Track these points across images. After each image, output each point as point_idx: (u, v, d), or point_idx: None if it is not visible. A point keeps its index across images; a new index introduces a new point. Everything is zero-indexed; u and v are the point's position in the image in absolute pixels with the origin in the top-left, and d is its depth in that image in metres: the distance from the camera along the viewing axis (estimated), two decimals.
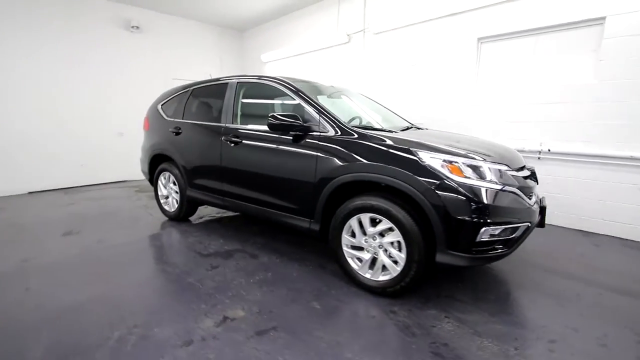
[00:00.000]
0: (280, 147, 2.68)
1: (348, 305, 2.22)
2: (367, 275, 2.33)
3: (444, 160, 2.01)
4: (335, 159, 2.37)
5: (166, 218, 4.05)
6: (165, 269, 2.72)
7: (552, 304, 2.24)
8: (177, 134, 3.64)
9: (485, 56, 4.22)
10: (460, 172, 1.98)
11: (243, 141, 2.97)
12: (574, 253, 3.12)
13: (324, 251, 3.07)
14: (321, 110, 2.56)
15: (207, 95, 3.63)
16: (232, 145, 3.04)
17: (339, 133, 2.43)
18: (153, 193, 4.21)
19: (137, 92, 6.60)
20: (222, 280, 2.52)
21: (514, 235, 2.03)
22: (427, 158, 2.03)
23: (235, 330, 1.92)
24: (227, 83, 3.33)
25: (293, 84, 2.81)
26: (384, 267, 2.26)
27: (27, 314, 2.09)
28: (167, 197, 4.00)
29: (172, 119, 3.79)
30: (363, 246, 2.33)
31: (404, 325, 1.99)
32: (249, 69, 8.01)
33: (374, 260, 2.30)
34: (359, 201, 2.27)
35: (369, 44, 5.40)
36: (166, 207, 4.02)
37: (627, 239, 3.42)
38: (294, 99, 2.73)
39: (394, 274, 2.19)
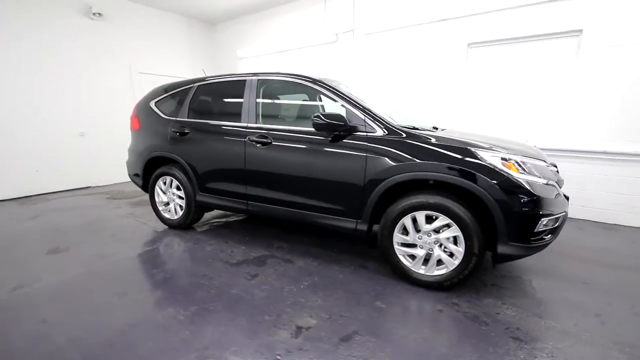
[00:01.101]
0: (323, 148, 2.61)
1: (410, 301, 2.26)
2: (421, 271, 2.40)
3: (502, 158, 2.15)
4: (387, 159, 2.38)
5: (165, 227, 3.69)
6: (200, 282, 2.48)
7: (577, 283, 2.53)
8: (182, 134, 3.33)
9: (474, 60, 4.56)
10: (516, 168, 2.14)
11: (274, 142, 2.82)
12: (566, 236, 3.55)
13: (355, 251, 3.07)
14: (366, 110, 2.55)
15: (217, 93, 3.37)
16: (260, 146, 2.88)
17: (387, 133, 2.45)
18: (130, 200, 3.80)
19: (101, 87, 5.89)
20: (270, 289, 2.39)
21: (557, 224, 2.25)
22: (488, 156, 2.16)
23: (318, 339, 1.85)
24: (244, 80, 3.13)
25: (330, 83, 2.75)
26: (438, 262, 2.35)
27: (64, 352, 1.76)
28: (167, 204, 3.64)
29: (172, 118, 3.46)
30: (416, 243, 2.39)
31: (472, 315, 2.09)
32: (222, 64, 7.60)
33: (426, 256, 2.38)
34: (415, 199, 2.31)
35: (359, 44, 5.49)
36: (166, 215, 3.66)
37: (600, 222, 3.99)
38: (335, 99, 2.67)
39: (451, 268, 2.29)
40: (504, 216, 2.08)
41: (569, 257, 2.99)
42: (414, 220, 2.35)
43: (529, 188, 2.08)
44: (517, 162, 2.16)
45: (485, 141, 2.37)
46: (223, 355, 1.71)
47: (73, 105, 5.56)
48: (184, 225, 3.55)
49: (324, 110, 3.07)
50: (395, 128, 2.45)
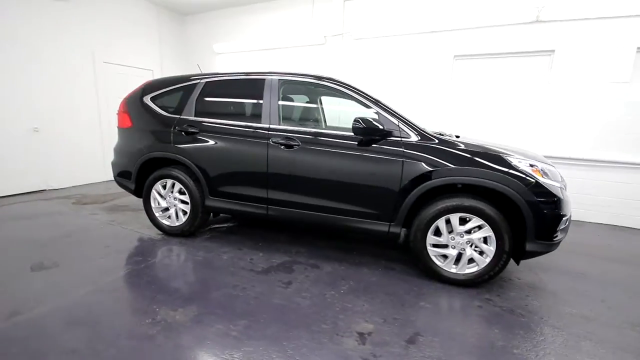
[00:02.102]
0: (357, 152, 2.62)
1: (449, 300, 2.38)
2: (452, 270, 2.54)
3: (530, 165, 2.37)
4: (423, 163, 2.48)
5: (160, 235, 3.37)
6: (234, 293, 2.33)
7: (575, 274, 2.89)
8: (189, 133, 3.08)
9: (459, 71, 4.92)
10: (540, 174, 2.37)
11: (302, 145, 2.75)
12: None
13: (375, 253, 3.14)
14: (400, 116, 2.62)
15: (230, 91, 3.17)
16: (285, 148, 2.79)
17: (420, 138, 2.55)
18: (101, 205, 3.43)
19: (60, 76, 5.16)
20: (312, 297, 2.33)
21: (568, 223, 2.55)
22: (517, 162, 2.36)
23: (385, 344, 1.86)
24: (262, 80, 3.00)
25: (362, 89, 2.76)
26: (469, 261, 2.51)
27: None
28: (165, 210, 3.32)
29: (176, 116, 3.18)
30: (448, 244, 2.52)
31: (508, 309, 2.28)
32: (194, 58, 7.12)
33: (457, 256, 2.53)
34: (450, 202, 2.44)
35: (348, 48, 5.56)
36: (165, 222, 3.34)
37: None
38: (368, 105, 2.69)
39: (482, 266, 2.46)
40: (533, 216, 2.30)
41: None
42: (447, 222, 2.49)
43: (552, 191, 2.32)
44: (542, 168, 2.41)
45: (504, 148, 2.60)
46: None
47: (26, 96, 4.77)
48: (187, 232, 3.28)
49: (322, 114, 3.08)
50: (428, 134, 2.56)
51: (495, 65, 4.70)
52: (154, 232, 3.43)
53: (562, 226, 2.37)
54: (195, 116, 3.14)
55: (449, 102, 4.99)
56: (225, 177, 3.03)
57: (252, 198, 2.97)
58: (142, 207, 3.38)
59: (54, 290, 2.30)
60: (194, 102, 3.18)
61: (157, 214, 3.36)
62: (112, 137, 5.92)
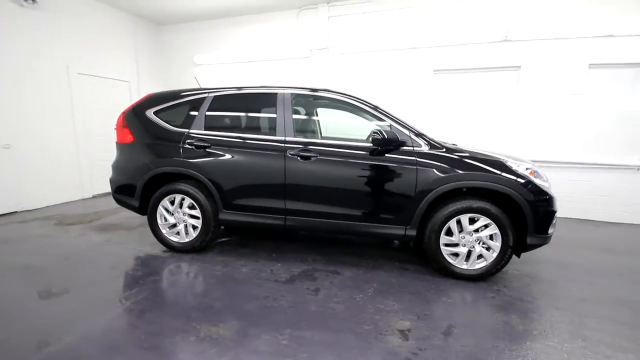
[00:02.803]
0: (373, 161, 2.79)
1: (465, 293, 2.61)
2: (464, 267, 2.78)
3: (526, 168, 2.70)
4: (435, 170, 2.71)
5: (168, 251, 3.27)
6: (267, 304, 2.36)
7: (558, 264, 3.28)
8: (200, 147, 3.07)
9: (438, 83, 5.34)
10: (534, 175, 2.71)
11: (319, 156, 2.87)
12: None
13: (386, 256, 3.32)
14: (411, 128, 2.85)
15: (240, 105, 3.21)
16: (302, 160, 2.88)
17: (430, 147, 2.79)
18: (88, 224, 3.32)
19: (32, 89, 4.81)
20: (344, 301, 2.44)
21: (556, 218, 2.91)
22: (516, 167, 2.68)
23: (426, 338, 2.02)
24: (274, 94, 3.09)
25: (375, 104, 2.96)
26: (478, 257, 2.76)
27: None
28: (174, 226, 3.24)
29: (184, 130, 3.15)
30: (459, 242, 2.76)
31: (517, 297, 2.55)
32: (172, 69, 6.95)
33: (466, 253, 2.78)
34: (460, 204, 2.69)
35: (333, 62, 5.79)
36: (173, 238, 3.25)
37: None
38: (381, 118, 2.89)
39: (490, 261, 2.73)
40: (533, 214, 2.62)
41: None
42: (457, 223, 2.74)
43: (545, 190, 2.66)
44: (534, 171, 2.75)
45: (500, 154, 2.92)
46: None
47: None
48: (198, 247, 3.22)
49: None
50: (437, 143, 2.81)
51: (470, 78, 5.17)
52: (160, 250, 3.32)
53: (554, 221, 2.71)
54: (205, 130, 3.14)
55: (430, 112, 5.38)
56: (240, 190, 3.04)
57: (270, 209, 3.02)
58: (136, 225, 3.29)
59: (76, 317, 2.17)
60: (203, 116, 3.17)
61: (164, 231, 3.26)
62: (88, 152, 5.60)
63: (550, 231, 2.71)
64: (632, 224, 4.64)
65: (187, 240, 3.23)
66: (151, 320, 2.16)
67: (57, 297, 2.41)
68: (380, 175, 2.80)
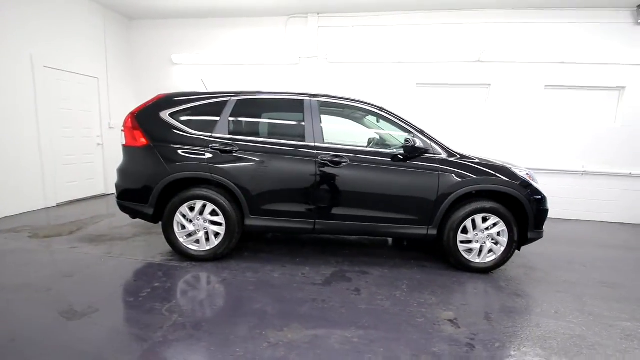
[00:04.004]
0: (400, 167, 3.01)
1: (483, 284, 2.94)
2: (477, 261, 3.13)
3: (526, 173, 3.15)
4: (454, 175, 3.03)
5: (185, 261, 3.10)
6: (318, 306, 2.41)
7: (546, 254, 3.83)
8: (226, 152, 3.00)
9: (421, 96, 5.82)
10: (532, 179, 3.17)
11: (349, 162, 3.00)
12: None
13: (401, 256, 3.55)
14: (431, 137, 3.13)
15: (266, 110, 3.21)
16: (333, 165, 2.99)
17: (447, 155, 3.10)
18: (71, 236, 3.18)
19: None
20: (387, 298, 2.59)
21: None
22: (519, 172, 3.10)
23: (474, 324, 2.26)
24: (301, 100, 3.16)
25: (398, 114, 3.18)
26: (488, 252, 3.13)
27: None
28: (191, 234, 3.08)
29: (207, 134, 3.04)
30: (473, 239, 3.10)
31: (524, 285, 2.95)
32: (148, 67, 6.48)
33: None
34: (475, 205, 3.03)
35: (322, 70, 5.96)
36: (191, 247, 3.09)
37: None
38: (406, 128, 3.12)
39: (498, 254, 3.11)
40: (534, 211, 3.06)
41: None
42: (472, 222, 3.08)
43: (541, 191, 3.14)
44: (530, 175, 3.21)
45: (501, 160, 3.36)
46: None
47: None
48: (220, 255, 3.11)
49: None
50: (452, 151, 3.13)
51: (448, 93, 5.75)
52: (176, 259, 3.14)
53: (546, 217, 3.20)
54: (229, 134, 3.07)
55: (413, 121, 5.81)
56: (269, 195, 3.03)
57: (299, 214, 3.06)
58: (129, 235, 3.13)
59: (124, 337, 2.00)
60: (227, 120, 3.10)
61: (181, 239, 3.09)
62: (53, 156, 4.96)
63: (544, 226, 3.20)
64: (578, 220, 5.55)
65: (207, 248, 3.10)
66: (211, 331, 2.07)
67: (88, 317, 2.17)
68: (407, 180, 3.02)
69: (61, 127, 5.08)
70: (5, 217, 4.35)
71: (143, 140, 3.05)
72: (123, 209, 3.19)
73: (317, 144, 3.05)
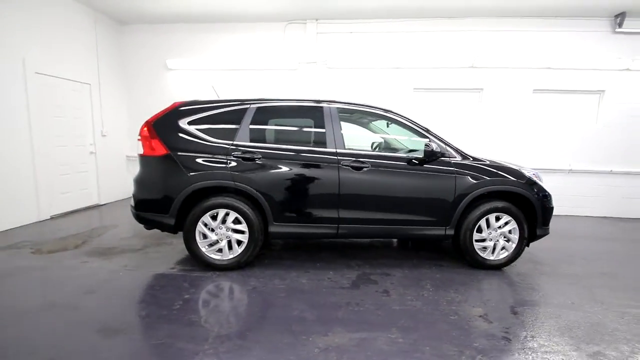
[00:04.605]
0: (418, 171, 3.12)
1: (498, 279, 3.10)
2: (491, 258, 3.29)
3: (533, 173, 3.34)
4: (469, 177, 3.17)
5: (209, 270, 3.06)
6: (355, 309, 2.47)
7: (547, 248, 4.06)
8: (248, 160, 3.00)
9: (418, 100, 6.02)
10: (538, 178, 3.37)
11: (371, 167, 3.08)
12: None
13: (415, 256, 3.67)
14: (446, 142, 3.26)
15: (285, 117, 3.24)
16: (355, 170, 3.06)
17: (462, 158, 3.25)
18: (77, 250, 3.21)
19: None
20: (416, 298, 2.68)
21: None
22: (526, 172, 3.29)
23: (503, 319, 2.40)
24: (320, 107, 3.21)
25: (415, 120, 3.30)
26: (501, 249, 3.30)
27: None
28: (213, 244, 3.05)
29: (229, 142, 3.03)
30: (486, 238, 3.26)
31: (537, 278, 3.14)
32: (141, 73, 6.31)
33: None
34: (489, 205, 3.19)
35: (321, 76, 6.03)
36: (214, 256, 3.06)
37: None
38: (423, 133, 3.24)
39: (510, 251, 3.28)
40: (542, 209, 3.25)
41: None
42: (487, 221, 3.24)
43: (546, 190, 3.34)
44: (537, 175, 3.42)
45: (509, 162, 3.55)
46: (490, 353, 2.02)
47: None
48: (244, 263, 3.10)
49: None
50: (466, 154, 3.28)
51: (444, 97, 5.98)
52: (197, 269, 3.09)
53: (552, 214, 3.42)
54: (251, 142, 3.07)
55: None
56: (293, 202, 3.06)
57: (323, 219, 3.10)
58: (140, 246, 3.11)
59: (174, 351, 1.96)
60: (248, 128, 3.10)
61: (203, 249, 3.05)
62: (47, 166, 4.73)
63: (550, 223, 3.41)
64: (566, 215, 5.90)
65: (231, 256, 3.07)
66: (258, 340, 2.08)
67: (126, 333, 2.11)
68: (427, 183, 3.14)
69: (55, 136, 4.85)
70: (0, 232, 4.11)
71: (162, 150, 3.00)
72: (141, 219, 3.11)
73: (338, 150, 3.11)
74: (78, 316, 2.31)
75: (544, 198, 3.27)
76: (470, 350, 2.02)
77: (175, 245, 3.81)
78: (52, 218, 4.85)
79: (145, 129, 3.07)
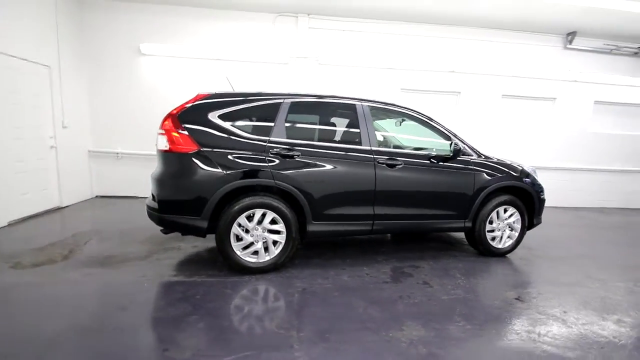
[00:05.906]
0: (444, 167, 3.32)
1: (510, 265, 3.47)
2: (500, 246, 3.65)
3: (532, 170, 3.78)
4: (485, 174, 3.47)
5: (244, 275, 2.88)
6: (409, 302, 2.56)
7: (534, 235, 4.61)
8: (287, 157, 2.88)
9: (405, 100, 6.28)
10: (535, 174, 3.82)
11: (404, 165, 3.18)
12: None
13: (429, 247, 3.90)
14: (464, 142, 3.51)
15: (318, 113, 3.16)
16: (390, 168, 3.13)
17: (477, 156, 3.54)
18: (68, 261, 2.94)
19: None
20: (455, 287, 2.87)
21: None
22: (528, 169, 3.71)
23: (533, 298, 2.70)
24: (353, 104, 3.21)
25: (438, 121, 3.48)
26: (507, 238, 3.68)
27: None
28: (248, 246, 2.87)
29: (265, 138, 2.88)
30: (495, 228, 3.61)
31: (538, 261, 3.58)
32: (109, 56, 5.54)
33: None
34: (499, 199, 3.53)
35: (312, 71, 5.96)
36: (249, 259, 2.88)
37: None
38: (446, 134, 3.44)
39: (514, 239, 3.69)
40: (538, 202, 3.71)
41: None
42: (497, 213, 3.58)
43: (541, 184, 3.81)
44: (533, 170, 3.87)
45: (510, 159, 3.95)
46: (541, 332, 2.26)
47: None
48: (279, 265, 2.97)
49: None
50: (480, 152, 3.58)
51: (427, 98, 6.37)
52: (230, 274, 2.89)
53: (544, 206, 3.91)
54: (287, 138, 2.95)
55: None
56: (332, 200, 3.02)
57: (359, 216, 3.12)
58: (144, 253, 2.93)
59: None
60: (283, 124, 2.96)
61: (238, 252, 2.85)
62: (4, 162, 3.96)
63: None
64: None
65: (267, 258, 2.93)
66: (342, 340, 2.04)
67: (198, 351, 1.90)
68: (452, 179, 3.36)
69: (12, 127, 4.04)
70: None
71: (192, 145, 2.72)
72: (164, 223, 2.79)
73: (373, 148, 3.16)
74: (127, 338, 2.00)
75: (540, 191, 3.73)
76: (528, 327, 2.26)
77: (184, 249, 3.49)
78: (9, 225, 4.05)
79: (169, 121, 2.75)
